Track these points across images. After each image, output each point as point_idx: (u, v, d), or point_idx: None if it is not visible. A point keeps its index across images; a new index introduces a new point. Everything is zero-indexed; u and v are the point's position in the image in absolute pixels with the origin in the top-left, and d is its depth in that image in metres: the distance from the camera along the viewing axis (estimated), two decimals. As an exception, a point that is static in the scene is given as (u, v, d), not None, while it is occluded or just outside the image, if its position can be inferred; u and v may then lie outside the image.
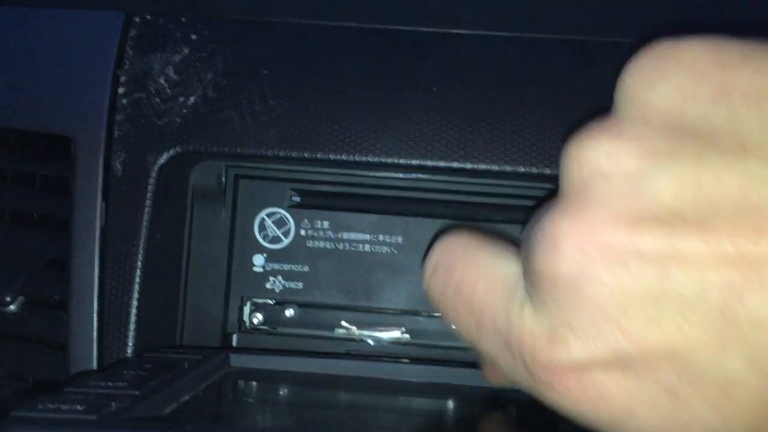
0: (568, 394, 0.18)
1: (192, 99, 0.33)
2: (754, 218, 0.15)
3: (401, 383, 0.31)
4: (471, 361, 0.35)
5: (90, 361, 0.31)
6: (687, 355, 0.16)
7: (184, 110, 0.33)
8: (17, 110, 0.34)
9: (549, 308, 0.18)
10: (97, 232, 0.32)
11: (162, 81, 0.33)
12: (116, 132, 0.33)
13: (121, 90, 0.33)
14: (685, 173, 0.16)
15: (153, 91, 0.33)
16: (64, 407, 0.21)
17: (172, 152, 0.33)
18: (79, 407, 0.21)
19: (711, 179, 0.16)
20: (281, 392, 0.30)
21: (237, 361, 0.31)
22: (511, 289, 0.20)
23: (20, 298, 0.33)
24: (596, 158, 0.17)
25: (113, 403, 0.22)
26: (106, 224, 0.32)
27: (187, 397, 0.26)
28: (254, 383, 0.30)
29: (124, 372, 0.26)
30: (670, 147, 0.17)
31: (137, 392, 0.23)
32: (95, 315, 0.32)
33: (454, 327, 0.23)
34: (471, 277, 0.22)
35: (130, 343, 0.32)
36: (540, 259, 0.18)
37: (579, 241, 0.17)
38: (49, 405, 0.21)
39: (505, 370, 0.20)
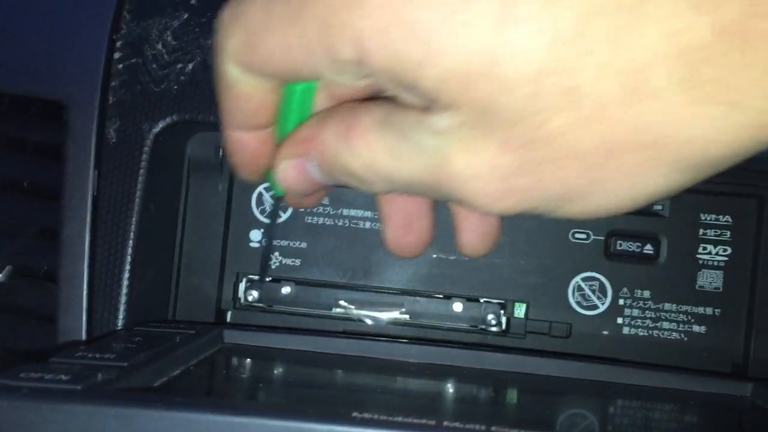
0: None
1: (190, 66, 0.32)
2: None
3: (398, 363, 0.30)
4: (470, 342, 0.35)
5: (79, 333, 0.31)
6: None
7: (182, 77, 0.32)
8: (9, 74, 0.33)
9: None
10: (89, 202, 0.31)
11: (159, 46, 0.32)
12: (111, 98, 0.32)
13: (116, 55, 0.32)
14: None
15: (150, 57, 0.32)
16: (48, 377, 0.20)
17: (168, 120, 0.32)
18: (63, 377, 0.20)
19: None
20: (275, 369, 0.29)
21: (231, 337, 0.30)
22: None
23: (8, 268, 0.33)
24: None
25: (99, 375, 0.21)
26: (99, 193, 0.31)
27: (177, 371, 0.25)
28: (248, 359, 0.30)
29: (113, 344, 0.25)
30: None
31: (125, 364, 0.22)
32: (85, 286, 0.31)
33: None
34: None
35: (121, 317, 0.31)
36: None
37: None
38: (32, 374, 0.20)
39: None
